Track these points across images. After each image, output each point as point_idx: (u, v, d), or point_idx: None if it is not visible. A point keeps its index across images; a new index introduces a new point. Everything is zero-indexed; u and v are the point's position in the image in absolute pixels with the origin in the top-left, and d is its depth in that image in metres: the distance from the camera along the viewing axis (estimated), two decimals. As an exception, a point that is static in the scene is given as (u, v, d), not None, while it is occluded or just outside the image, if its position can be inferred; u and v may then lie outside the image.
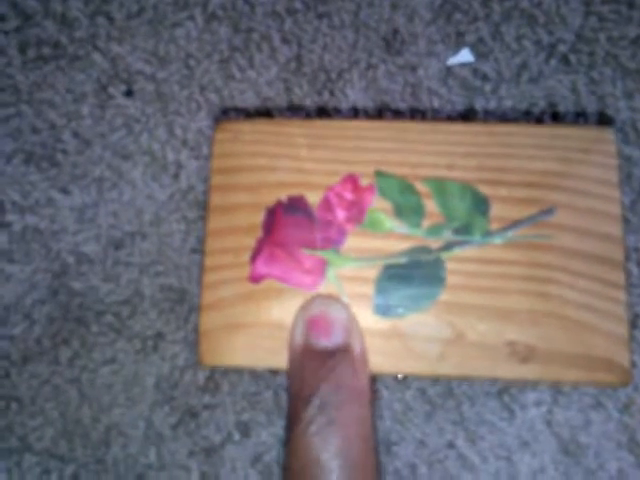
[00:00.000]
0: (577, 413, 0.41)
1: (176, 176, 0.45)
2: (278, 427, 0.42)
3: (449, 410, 0.42)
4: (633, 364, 0.41)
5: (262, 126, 0.40)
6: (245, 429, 0.42)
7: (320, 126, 0.40)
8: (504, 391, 0.42)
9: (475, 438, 0.41)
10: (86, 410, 0.42)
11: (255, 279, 0.38)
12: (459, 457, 0.41)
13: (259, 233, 0.38)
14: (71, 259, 0.44)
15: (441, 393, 0.42)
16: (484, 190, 0.38)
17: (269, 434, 0.42)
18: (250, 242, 0.38)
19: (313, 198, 0.38)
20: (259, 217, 0.39)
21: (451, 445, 0.41)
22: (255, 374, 0.42)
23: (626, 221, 0.42)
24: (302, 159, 0.39)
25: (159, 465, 0.42)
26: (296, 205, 0.38)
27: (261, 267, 0.38)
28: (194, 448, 0.42)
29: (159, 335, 0.43)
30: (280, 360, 0.37)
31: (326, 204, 0.38)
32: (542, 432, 0.41)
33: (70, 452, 0.42)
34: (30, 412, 0.43)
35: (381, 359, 0.37)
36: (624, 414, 0.41)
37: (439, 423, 0.42)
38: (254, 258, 0.38)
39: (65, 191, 0.45)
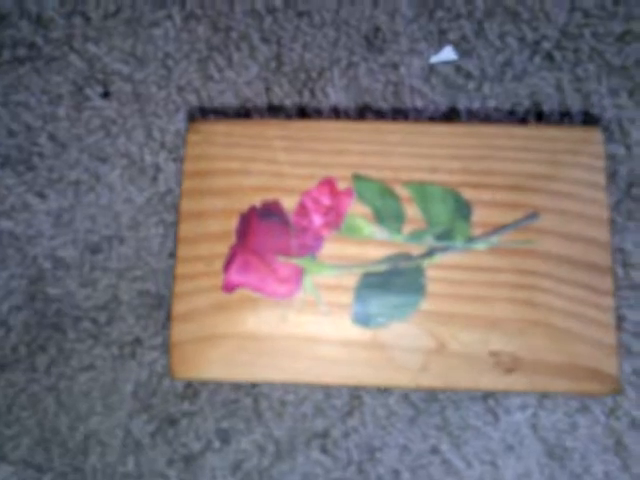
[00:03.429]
0: (563, 417, 0.38)
1: (154, 179, 0.41)
2: (258, 434, 0.38)
3: (433, 415, 0.38)
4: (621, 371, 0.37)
5: (237, 128, 0.36)
6: (225, 437, 0.38)
7: (298, 127, 0.36)
8: (489, 395, 0.38)
9: (459, 443, 0.38)
10: (63, 418, 0.39)
11: (228, 288, 0.34)
12: (443, 462, 0.38)
13: (232, 240, 0.34)
14: (47, 264, 0.40)
15: (425, 398, 0.38)
16: (467, 194, 0.34)
17: (249, 441, 0.38)
18: (223, 249, 0.34)
19: (289, 203, 0.35)
20: (232, 223, 0.35)
21: (435, 450, 0.38)
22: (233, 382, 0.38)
23: (611, 221, 0.38)
24: (278, 162, 0.35)
25: (138, 474, 0.38)
26: (271, 210, 0.34)
27: (234, 276, 0.34)
28: (173, 456, 0.38)
29: (137, 341, 0.39)
30: (256, 373, 0.33)
31: (302, 209, 0.34)
32: (527, 436, 0.38)
33: (47, 461, 0.38)
34: (6, 421, 0.39)
35: (361, 370, 0.34)
36: (610, 418, 0.38)
37: (423, 428, 0.38)
38: (227, 266, 0.34)
39: (41, 195, 0.41)
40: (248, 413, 0.38)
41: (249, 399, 0.38)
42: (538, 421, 0.38)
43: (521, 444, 0.38)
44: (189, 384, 0.39)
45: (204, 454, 0.38)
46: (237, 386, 0.38)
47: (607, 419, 0.38)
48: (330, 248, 0.34)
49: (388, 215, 0.34)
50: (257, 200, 0.35)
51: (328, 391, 0.38)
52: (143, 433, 0.38)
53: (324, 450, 0.38)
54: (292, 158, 0.35)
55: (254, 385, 0.38)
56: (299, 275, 0.34)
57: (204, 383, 0.38)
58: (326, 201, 0.34)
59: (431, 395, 0.38)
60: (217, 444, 0.38)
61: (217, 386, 0.38)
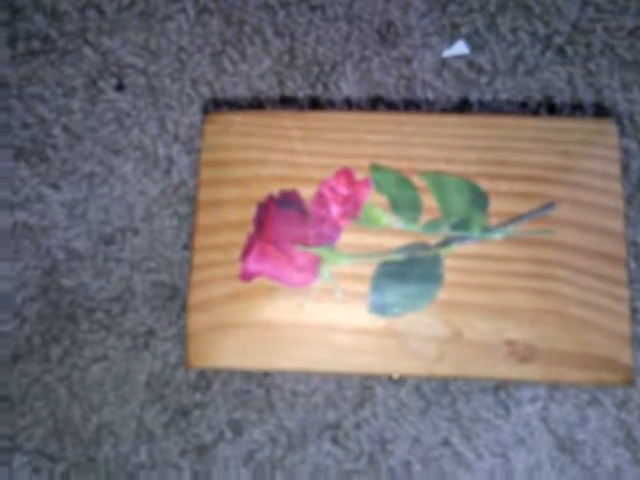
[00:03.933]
0: (573, 409, 0.38)
1: (168, 171, 0.41)
2: (270, 425, 0.38)
3: (444, 407, 0.38)
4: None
5: (254, 118, 0.36)
6: (237, 427, 0.38)
7: (315, 118, 0.36)
8: (500, 387, 0.38)
9: (470, 435, 0.38)
10: (76, 409, 0.39)
11: (246, 277, 0.34)
12: (454, 454, 0.38)
13: (250, 229, 0.34)
14: (61, 255, 0.40)
15: (436, 389, 0.38)
16: (483, 184, 0.35)
17: (261, 432, 0.38)
18: (241, 238, 0.34)
19: (306, 192, 0.35)
20: (250, 212, 0.35)
21: (446, 442, 0.38)
22: (247, 372, 0.38)
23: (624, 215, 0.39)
24: (296, 152, 0.35)
25: (150, 464, 0.38)
26: (289, 200, 0.35)
27: (252, 264, 0.34)
28: (186, 447, 0.38)
29: (150, 332, 0.39)
30: (272, 362, 0.34)
31: (320, 199, 0.34)
32: (538, 429, 0.38)
33: (60, 451, 0.39)
34: (20, 411, 0.39)
35: (376, 359, 0.34)
36: (621, 410, 0.38)
37: (434, 420, 0.38)
38: (245, 255, 0.34)
39: (55, 186, 0.41)
40: (260, 404, 0.38)
41: (261, 390, 0.39)
42: (549, 414, 0.38)
43: (532, 437, 0.38)
44: (202, 375, 0.39)
45: (217, 445, 0.38)
46: (249, 377, 0.39)
47: (618, 412, 0.38)
48: (347, 238, 0.34)
49: (405, 205, 0.34)
50: (275, 189, 0.35)
51: (340, 382, 0.38)
52: (156, 424, 0.39)
53: (335, 441, 0.38)
54: (309, 148, 0.35)
55: (266, 375, 0.39)
56: (316, 264, 0.34)
57: (216, 374, 0.39)
58: (344, 191, 0.34)
59: (442, 387, 0.38)
60: (229, 435, 0.38)
61: (229, 377, 0.39)
